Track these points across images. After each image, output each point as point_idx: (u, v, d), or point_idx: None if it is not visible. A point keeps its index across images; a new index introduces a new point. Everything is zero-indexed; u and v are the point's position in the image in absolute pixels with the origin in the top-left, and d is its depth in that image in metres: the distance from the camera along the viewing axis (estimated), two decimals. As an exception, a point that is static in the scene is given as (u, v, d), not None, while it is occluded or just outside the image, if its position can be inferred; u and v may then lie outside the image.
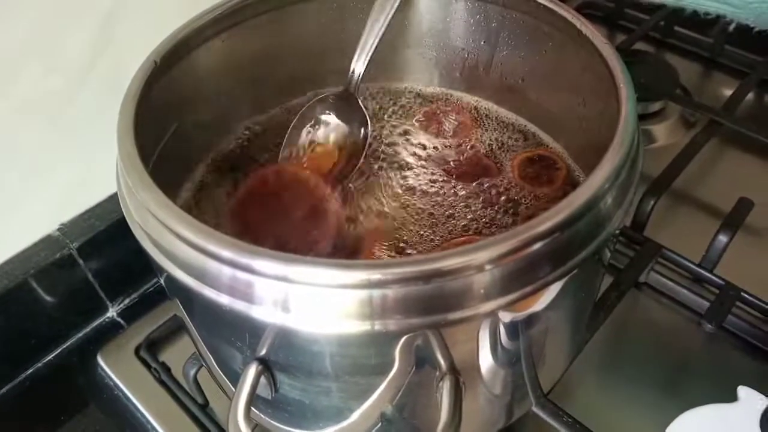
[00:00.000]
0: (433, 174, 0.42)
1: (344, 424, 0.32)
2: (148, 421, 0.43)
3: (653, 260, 0.48)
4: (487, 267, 0.25)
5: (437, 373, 0.28)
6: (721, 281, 0.47)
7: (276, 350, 0.28)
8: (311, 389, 0.30)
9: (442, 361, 0.27)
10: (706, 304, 0.46)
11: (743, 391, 0.34)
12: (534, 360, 0.33)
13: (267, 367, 0.28)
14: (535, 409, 0.37)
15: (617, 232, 0.30)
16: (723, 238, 0.47)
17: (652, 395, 0.43)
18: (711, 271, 0.48)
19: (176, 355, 0.46)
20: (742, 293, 0.46)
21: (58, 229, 0.48)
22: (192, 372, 0.42)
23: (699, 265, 0.48)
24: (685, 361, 0.45)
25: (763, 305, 0.45)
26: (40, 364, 0.48)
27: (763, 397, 0.34)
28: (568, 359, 0.39)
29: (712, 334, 0.46)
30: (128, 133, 0.30)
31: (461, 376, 0.28)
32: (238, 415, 0.26)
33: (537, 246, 0.26)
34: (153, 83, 0.34)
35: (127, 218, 0.30)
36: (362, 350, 0.28)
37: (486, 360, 0.30)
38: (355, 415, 0.32)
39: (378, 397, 0.30)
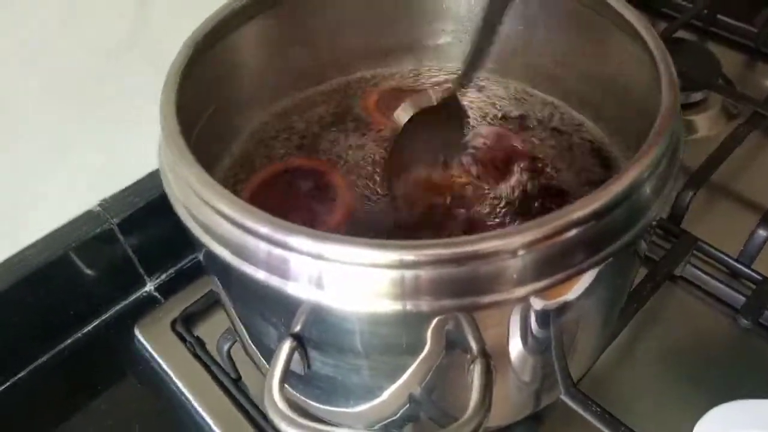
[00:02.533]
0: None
1: (374, 402, 0.33)
2: (183, 393, 0.45)
3: (689, 253, 0.47)
4: (521, 252, 0.25)
5: (468, 356, 0.28)
6: (758, 276, 0.46)
7: (309, 327, 0.29)
8: (342, 367, 0.31)
9: (473, 344, 0.27)
10: (743, 299, 0.46)
11: (777, 386, 0.33)
12: (564, 348, 0.33)
13: (300, 343, 0.29)
14: (563, 397, 0.36)
15: (654, 223, 0.29)
16: (762, 233, 0.46)
17: (684, 388, 0.42)
18: (748, 266, 0.47)
19: (211, 330, 0.47)
20: (777, 287, 0.45)
21: (99, 205, 0.49)
22: (226, 347, 0.43)
23: (736, 260, 0.47)
24: (718, 356, 0.44)
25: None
26: (79, 335, 0.50)
27: None
28: (599, 349, 0.39)
29: (747, 330, 0.45)
30: (171, 111, 0.31)
31: (492, 360, 0.28)
32: (273, 390, 0.26)
33: (572, 233, 0.26)
34: (195, 62, 0.34)
35: (168, 194, 0.31)
36: (393, 330, 0.29)
37: (516, 346, 0.30)
38: (384, 395, 0.32)
39: (408, 378, 0.31)
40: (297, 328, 0.29)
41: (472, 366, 0.27)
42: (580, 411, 0.36)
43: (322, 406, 0.35)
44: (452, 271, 0.25)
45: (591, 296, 0.30)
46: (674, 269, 0.47)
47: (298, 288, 0.27)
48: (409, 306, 0.26)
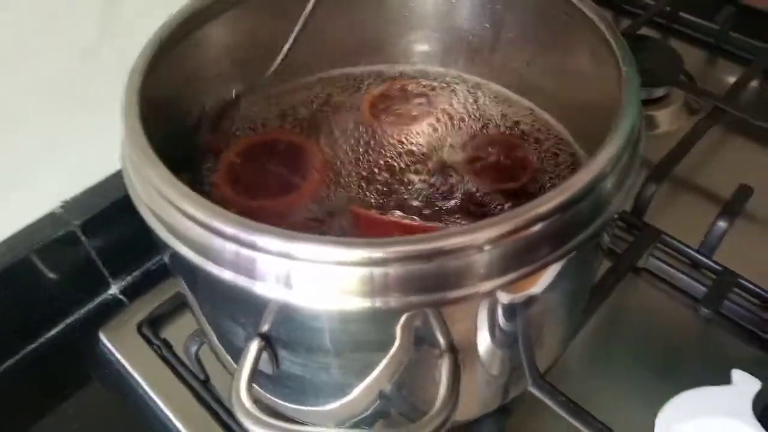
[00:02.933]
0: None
1: (344, 400, 0.33)
2: (150, 397, 0.44)
3: (652, 245, 0.48)
4: (487, 247, 0.26)
5: (436, 351, 0.28)
6: (718, 267, 0.47)
7: (278, 326, 0.29)
8: (312, 365, 0.31)
9: (441, 340, 0.28)
10: (704, 289, 0.47)
11: (737, 374, 0.34)
12: (531, 341, 0.34)
13: (269, 343, 0.29)
14: (531, 388, 0.37)
15: (617, 215, 0.30)
16: (722, 224, 0.48)
17: (647, 378, 0.43)
18: (709, 257, 0.48)
19: (178, 332, 0.46)
20: (739, 279, 0.46)
21: (61, 207, 0.48)
22: (194, 349, 0.42)
23: (697, 251, 0.48)
24: (680, 346, 0.46)
25: (760, 291, 0.46)
26: (42, 340, 0.49)
27: (756, 380, 0.34)
28: (565, 341, 0.40)
29: (708, 319, 0.46)
30: (133, 109, 0.30)
31: (460, 355, 0.29)
32: (240, 390, 0.26)
33: (537, 227, 0.26)
34: (159, 60, 0.34)
35: (131, 195, 0.31)
36: (362, 327, 0.29)
37: (484, 339, 0.31)
38: (355, 392, 0.32)
39: (378, 375, 0.31)
40: (265, 328, 0.29)
41: (440, 361, 0.28)
42: (548, 402, 0.37)
43: (292, 405, 0.35)
44: (420, 267, 0.26)
45: (556, 289, 0.30)
46: (637, 261, 0.48)
47: (265, 288, 0.26)
48: (378, 303, 0.26)
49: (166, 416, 0.43)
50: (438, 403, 0.26)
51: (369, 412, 0.34)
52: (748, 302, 0.47)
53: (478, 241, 0.25)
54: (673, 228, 0.49)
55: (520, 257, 0.27)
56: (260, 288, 0.26)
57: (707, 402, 0.33)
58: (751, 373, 0.39)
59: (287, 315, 0.28)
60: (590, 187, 0.27)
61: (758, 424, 0.32)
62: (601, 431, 0.36)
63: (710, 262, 0.48)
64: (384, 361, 0.30)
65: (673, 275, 0.49)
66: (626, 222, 0.51)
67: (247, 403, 0.26)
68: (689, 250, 0.48)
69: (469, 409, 0.37)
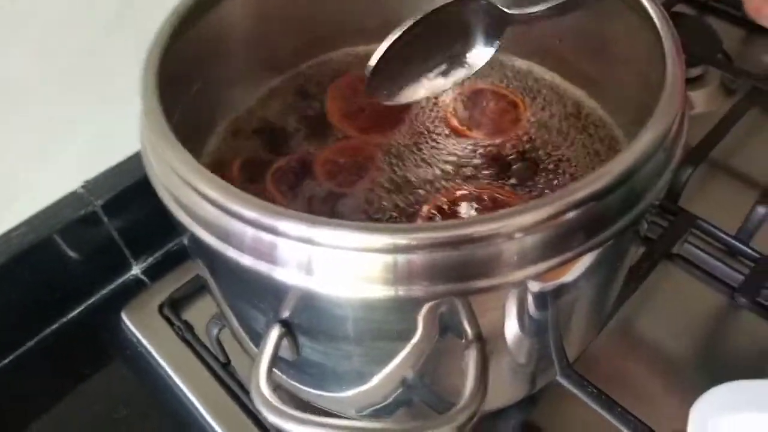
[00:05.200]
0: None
1: (365, 387, 0.32)
2: (171, 378, 0.44)
3: (687, 231, 0.46)
4: (518, 235, 0.24)
5: (463, 341, 0.27)
6: (756, 254, 0.45)
7: (299, 313, 0.28)
8: (333, 353, 0.30)
9: (468, 330, 0.26)
10: (740, 277, 0.45)
11: (777, 368, 0.33)
12: (561, 330, 0.33)
13: (289, 329, 0.28)
14: (559, 378, 0.36)
15: (657, 202, 0.29)
16: (761, 211, 0.46)
17: (680, 369, 0.42)
18: (747, 244, 0.46)
19: (199, 314, 0.46)
20: (775, 265, 0.44)
21: (83, 186, 0.48)
22: (215, 331, 0.42)
23: (734, 237, 0.46)
24: (716, 335, 0.44)
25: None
26: (65, 320, 0.49)
27: None
28: (595, 329, 0.39)
29: (745, 309, 0.45)
30: (152, 90, 0.29)
31: (487, 344, 0.27)
32: (260, 377, 0.26)
33: (571, 215, 0.25)
34: (177, 37, 0.33)
35: (150, 177, 0.30)
36: (385, 315, 0.28)
37: (512, 329, 0.30)
38: (376, 380, 0.31)
39: (400, 363, 0.30)
40: (286, 315, 0.28)
41: (466, 351, 0.27)
42: (576, 392, 0.36)
43: (313, 391, 0.34)
44: (447, 255, 0.24)
45: (590, 278, 0.29)
46: (671, 248, 0.46)
47: (286, 274, 0.26)
48: (402, 291, 0.25)
49: (186, 397, 0.43)
50: (466, 394, 0.25)
51: (390, 400, 0.33)
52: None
53: (509, 228, 0.24)
54: (709, 213, 0.48)
55: (553, 246, 0.25)
56: (280, 274, 0.26)
57: (744, 396, 0.32)
58: None
59: (308, 302, 0.27)
60: (628, 174, 0.25)
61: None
62: (631, 424, 0.35)
63: (748, 249, 0.46)
64: (406, 350, 0.29)
65: (709, 262, 0.47)
66: (660, 207, 0.49)
67: (267, 392, 0.25)
68: (726, 237, 0.46)
69: (496, 398, 0.36)
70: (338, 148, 0.40)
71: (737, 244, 0.46)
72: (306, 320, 0.28)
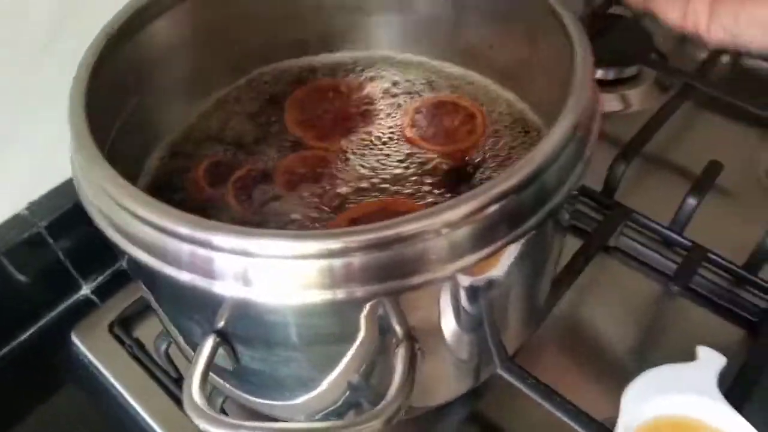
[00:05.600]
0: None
1: (312, 394, 0.33)
2: (123, 397, 0.44)
3: (622, 224, 0.48)
4: (445, 230, 0.25)
5: (394, 340, 0.28)
6: (688, 243, 0.47)
7: (238, 323, 0.28)
8: (274, 359, 0.30)
9: (398, 328, 0.27)
10: (674, 266, 0.47)
11: (702, 350, 0.34)
12: (497, 323, 0.34)
13: (225, 339, 0.29)
14: (500, 371, 0.37)
15: (575, 192, 0.30)
16: (692, 201, 0.48)
17: (619, 357, 0.43)
18: (680, 234, 0.48)
19: (150, 331, 0.46)
20: (708, 254, 0.46)
21: (27, 208, 0.47)
22: (163, 347, 0.42)
23: (668, 228, 0.48)
24: (652, 324, 0.46)
25: (730, 266, 0.46)
26: (14, 344, 0.48)
27: (720, 356, 0.34)
28: (533, 322, 0.40)
29: (679, 296, 0.47)
30: (80, 110, 0.29)
31: (418, 342, 0.28)
32: (192, 385, 0.26)
33: (493, 209, 0.26)
34: (108, 56, 0.33)
35: (82, 200, 0.30)
36: (325, 320, 0.28)
37: (449, 324, 0.31)
38: (323, 385, 0.32)
39: (344, 367, 0.30)
40: (221, 324, 0.28)
41: (396, 349, 0.27)
42: (517, 384, 0.37)
43: (260, 400, 0.35)
44: (379, 255, 0.25)
45: (517, 269, 0.30)
46: (607, 240, 0.48)
47: (224, 286, 0.26)
48: (339, 294, 0.26)
49: (140, 416, 0.43)
50: (392, 391, 0.26)
51: (339, 404, 0.34)
52: (718, 277, 0.47)
53: (436, 225, 0.25)
54: (644, 206, 0.50)
55: (478, 239, 0.26)
56: (219, 287, 0.26)
57: (672, 379, 0.33)
58: (723, 347, 0.39)
59: (247, 311, 0.27)
60: (540, 169, 0.27)
61: (723, 399, 0.32)
62: (570, 412, 0.36)
63: (680, 239, 0.48)
64: (350, 353, 0.30)
65: (645, 253, 0.49)
66: (597, 201, 0.51)
67: (199, 399, 0.25)
68: (660, 227, 0.48)
69: (437, 394, 0.37)
70: (297, 158, 0.41)
71: (671, 234, 0.48)
72: (245, 329, 0.28)
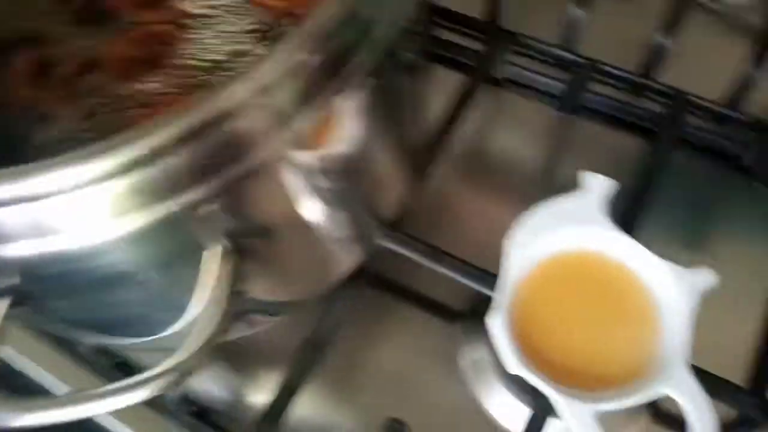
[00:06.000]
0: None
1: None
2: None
3: (507, 49, 0.43)
4: (265, 95, 0.21)
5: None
6: (579, 59, 0.43)
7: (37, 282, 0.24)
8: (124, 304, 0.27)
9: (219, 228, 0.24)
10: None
11: (585, 177, 0.32)
12: (364, 187, 0.31)
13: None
14: (380, 242, 0.34)
15: (408, 25, 0.26)
16: (577, 12, 0.43)
17: (515, 197, 0.40)
18: (572, 51, 0.44)
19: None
20: (602, 67, 0.43)
21: None
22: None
23: (558, 46, 0.44)
24: (550, 151, 0.43)
25: (625, 74, 0.43)
26: None
27: (607, 179, 0.31)
28: (414, 179, 0.36)
29: (577, 119, 0.43)
30: None
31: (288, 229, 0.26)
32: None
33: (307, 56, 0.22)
34: None
35: None
36: (163, 241, 0.24)
37: (310, 205, 0.27)
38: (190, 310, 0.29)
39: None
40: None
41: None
42: (402, 251, 0.34)
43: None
44: (198, 146, 0.21)
45: (368, 126, 0.26)
46: (492, 70, 0.44)
47: (19, 248, 0.22)
48: (174, 207, 0.22)
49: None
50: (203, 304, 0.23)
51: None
52: (616, 90, 0.44)
53: (255, 87, 0.21)
54: (535, 29, 0.45)
55: (306, 97, 0.22)
56: (13, 250, 0.22)
57: (557, 213, 0.31)
58: (625, 164, 0.37)
59: (50, 266, 0.23)
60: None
61: (612, 224, 0.30)
62: (460, 270, 0.34)
63: (571, 56, 0.44)
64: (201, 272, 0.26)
65: (538, 80, 0.45)
66: (479, 30, 0.46)
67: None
68: (548, 47, 0.44)
69: (310, 279, 0.34)
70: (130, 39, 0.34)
71: (562, 53, 0.44)
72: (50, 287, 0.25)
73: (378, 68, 0.24)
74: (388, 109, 0.28)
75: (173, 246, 0.25)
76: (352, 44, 0.23)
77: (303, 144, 0.24)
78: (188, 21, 0.34)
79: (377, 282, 0.39)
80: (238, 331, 0.33)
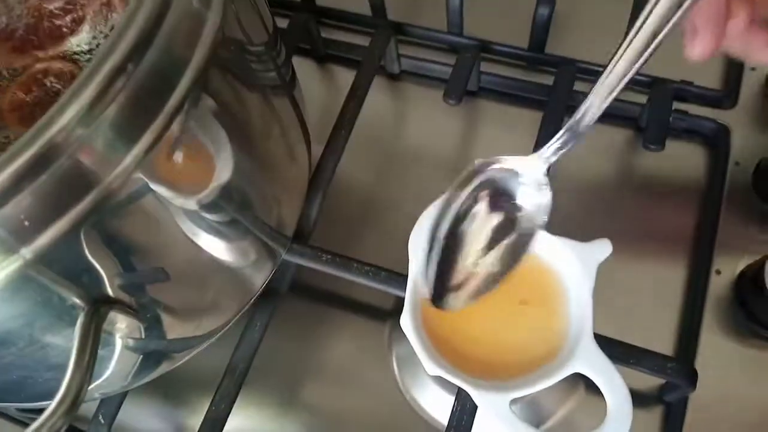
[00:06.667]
0: None
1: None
2: None
3: (393, 40, 0.42)
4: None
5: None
6: (468, 41, 0.43)
7: None
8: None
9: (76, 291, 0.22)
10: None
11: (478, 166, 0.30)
12: (254, 209, 0.29)
13: None
14: (287, 257, 0.33)
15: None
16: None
17: (427, 188, 0.39)
18: (459, 35, 0.44)
19: None
20: (490, 45, 0.43)
21: None
22: None
23: (446, 32, 0.44)
24: (453, 139, 0.43)
25: (514, 51, 0.43)
26: None
27: (485, 162, 0.27)
28: (305, 188, 0.35)
29: (475, 102, 0.43)
30: None
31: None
32: None
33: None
34: None
35: None
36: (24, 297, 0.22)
37: (192, 235, 0.25)
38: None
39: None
40: None
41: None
42: (309, 264, 0.33)
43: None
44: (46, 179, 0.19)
45: (217, 149, 0.24)
46: (385, 64, 0.43)
47: None
48: (28, 254, 0.19)
49: None
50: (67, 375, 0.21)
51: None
52: (509, 67, 0.44)
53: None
54: (422, 20, 0.44)
55: (136, 113, 0.20)
56: None
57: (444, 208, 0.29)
58: (529, 135, 0.36)
59: None
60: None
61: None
62: (369, 274, 0.33)
63: (459, 39, 0.43)
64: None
65: (431, 68, 0.44)
66: (368, 25, 0.45)
67: None
68: (436, 34, 0.44)
69: (234, 302, 0.32)
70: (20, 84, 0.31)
71: (451, 37, 0.44)
72: None
73: (214, 85, 0.22)
74: (241, 126, 0.26)
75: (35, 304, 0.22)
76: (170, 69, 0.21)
77: (156, 171, 0.21)
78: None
79: (309, 293, 0.39)
80: (162, 369, 0.31)
